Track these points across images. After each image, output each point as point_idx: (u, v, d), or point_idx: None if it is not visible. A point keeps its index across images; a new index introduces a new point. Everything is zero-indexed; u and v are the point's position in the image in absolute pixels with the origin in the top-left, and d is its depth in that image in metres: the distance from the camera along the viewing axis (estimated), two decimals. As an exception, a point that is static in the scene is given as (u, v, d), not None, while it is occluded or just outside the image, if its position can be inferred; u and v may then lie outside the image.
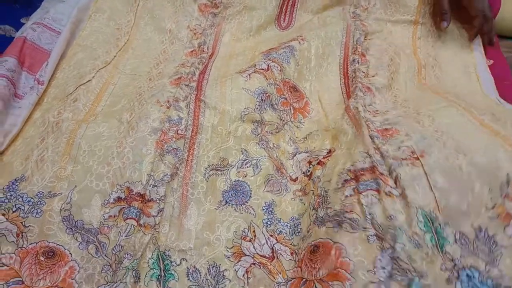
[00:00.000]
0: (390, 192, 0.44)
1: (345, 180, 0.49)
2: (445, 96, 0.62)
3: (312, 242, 0.47)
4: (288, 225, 0.51)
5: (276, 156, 0.59)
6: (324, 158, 0.57)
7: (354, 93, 0.64)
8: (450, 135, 0.48)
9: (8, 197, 0.48)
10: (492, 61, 0.78)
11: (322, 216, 0.48)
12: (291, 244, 0.49)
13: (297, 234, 0.50)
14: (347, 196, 0.47)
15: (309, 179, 0.56)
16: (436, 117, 0.52)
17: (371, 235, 0.43)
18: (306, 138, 0.63)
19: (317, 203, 0.50)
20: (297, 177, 0.57)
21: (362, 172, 0.48)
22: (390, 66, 0.71)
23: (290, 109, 0.66)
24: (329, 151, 0.58)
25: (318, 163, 0.56)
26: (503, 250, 0.42)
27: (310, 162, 0.58)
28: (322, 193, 0.50)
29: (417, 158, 0.46)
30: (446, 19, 0.77)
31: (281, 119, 0.63)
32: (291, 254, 0.48)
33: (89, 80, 0.65)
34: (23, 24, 0.76)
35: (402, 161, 0.46)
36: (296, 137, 0.63)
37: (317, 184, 0.52)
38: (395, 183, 0.45)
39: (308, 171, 0.57)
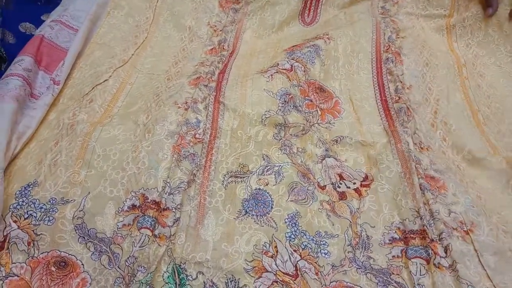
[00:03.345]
0: (439, 264, 0.44)
1: (393, 238, 0.48)
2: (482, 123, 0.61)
3: (348, 284, 0.44)
4: (314, 239, 0.48)
5: (301, 161, 0.55)
6: (361, 186, 0.53)
7: (400, 117, 0.60)
8: (491, 207, 0.49)
9: (20, 203, 0.46)
10: None
11: (362, 262, 0.46)
12: (316, 262, 0.46)
13: (323, 254, 0.47)
14: (394, 256, 0.47)
15: (340, 199, 0.52)
16: (476, 179, 0.54)
17: None
18: (337, 141, 0.58)
19: (356, 242, 0.48)
20: (325, 185, 0.53)
21: (412, 236, 0.48)
22: (425, 75, 0.66)
23: (317, 111, 0.62)
24: (366, 177, 0.54)
25: (355, 190, 0.53)
26: None
27: (341, 177, 0.54)
28: (363, 235, 0.49)
29: (467, 233, 0.46)
30: (492, 4, 0.71)
31: (307, 121, 0.59)
32: (316, 274, 0.44)
33: (105, 80, 0.63)
34: (44, 21, 0.74)
35: (453, 231, 0.46)
36: (325, 139, 0.59)
37: (356, 219, 0.50)
38: (445, 251, 0.45)
39: (339, 186, 0.53)
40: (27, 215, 0.46)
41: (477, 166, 0.55)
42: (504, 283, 0.42)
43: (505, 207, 0.50)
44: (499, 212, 0.49)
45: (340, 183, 0.53)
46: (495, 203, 0.50)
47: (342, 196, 0.52)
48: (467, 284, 0.42)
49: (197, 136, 0.55)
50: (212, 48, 0.73)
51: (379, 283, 0.44)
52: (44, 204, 0.47)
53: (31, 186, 0.48)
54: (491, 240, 0.45)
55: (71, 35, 0.71)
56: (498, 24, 0.74)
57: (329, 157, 0.56)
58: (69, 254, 0.45)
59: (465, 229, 0.46)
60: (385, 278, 0.45)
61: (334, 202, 0.52)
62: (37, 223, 0.45)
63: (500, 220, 0.48)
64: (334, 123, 0.61)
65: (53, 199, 0.47)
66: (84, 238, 0.46)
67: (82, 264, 0.45)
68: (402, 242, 0.48)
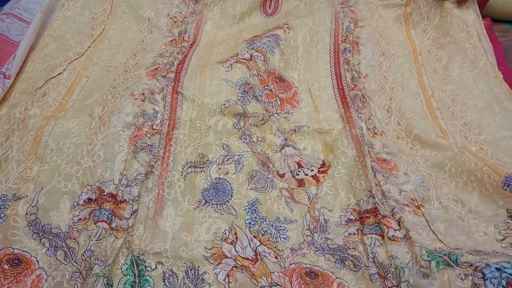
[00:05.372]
0: (394, 236, 0.45)
1: (349, 219, 0.50)
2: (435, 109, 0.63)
3: (307, 265, 0.45)
4: (274, 225, 0.48)
5: (261, 150, 0.55)
6: (319, 172, 0.54)
7: (355, 104, 0.61)
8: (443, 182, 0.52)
9: (-31, 201, 0.45)
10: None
11: (320, 244, 0.47)
12: (275, 247, 0.46)
13: (282, 239, 0.47)
14: (350, 233, 0.48)
15: (298, 186, 0.53)
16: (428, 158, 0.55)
17: (373, 274, 0.44)
18: (295, 131, 0.59)
19: (314, 227, 0.49)
20: (284, 174, 0.54)
21: (367, 215, 0.49)
22: (381, 64, 0.68)
23: (276, 100, 0.62)
24: (323, 164, 0.55)
25: (313, 177, 0.54)
26: None
27: (299, 165, 0.55)
28: (321, 219, 0.50)
29: (418, 207, 0.48)
30: None
31: (266, 111, 0.60)
32: (276, 257, 0.45)
33: (60, 73, 0.61)
34: (-4, 15, 0.72)
35: (404, 207, 0.48)
36: (284, 129, 0.59)
37: (314, 205, 0.51)
38: (398, 224, 0.46)
39: (297, 174, 0.54)
40: (-23, 213, 0.44)
41: (428, 146, 0.56)
42: (454, 243, 0.44)
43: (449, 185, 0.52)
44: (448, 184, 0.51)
45: (299, 171, 0.54)
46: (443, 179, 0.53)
47: (301, 183, 0.53)
48: (419, 246, 0.43)
49: (154, 127, 0.54)
50: (172, 40, 0.72)
51: (337, 261, 0.46)
52: (-5, 201, 0.45)
53: (-20, 183, 0.46)
54: (440, 213, 0.47)
55: (23, 28, 0.69)
56: (451, 5, 0.76)
57: (288, 146, 0.57)
58: (22, 251, 0.44)
59: (416, 204, 0.48)
60: (342, 255, 0.46)
61: (293, 189, 0.52)
62: (-13, 221, 0.44)
63: (450, 191, 0.50)
64: (292, 113, 0.62)
65: (4, 195, 0.46)
66: (38, 234, 0.45)
67: (37, 261, 0.43)
68: (358, 222, 0.49)
